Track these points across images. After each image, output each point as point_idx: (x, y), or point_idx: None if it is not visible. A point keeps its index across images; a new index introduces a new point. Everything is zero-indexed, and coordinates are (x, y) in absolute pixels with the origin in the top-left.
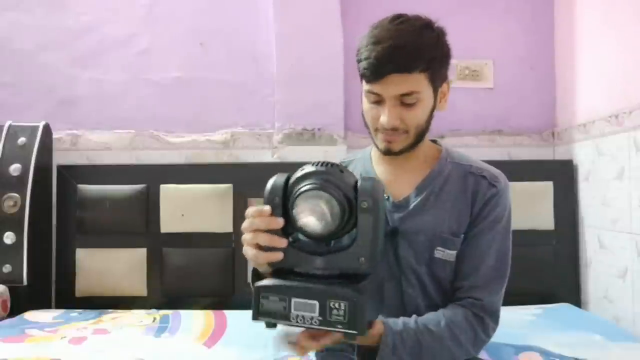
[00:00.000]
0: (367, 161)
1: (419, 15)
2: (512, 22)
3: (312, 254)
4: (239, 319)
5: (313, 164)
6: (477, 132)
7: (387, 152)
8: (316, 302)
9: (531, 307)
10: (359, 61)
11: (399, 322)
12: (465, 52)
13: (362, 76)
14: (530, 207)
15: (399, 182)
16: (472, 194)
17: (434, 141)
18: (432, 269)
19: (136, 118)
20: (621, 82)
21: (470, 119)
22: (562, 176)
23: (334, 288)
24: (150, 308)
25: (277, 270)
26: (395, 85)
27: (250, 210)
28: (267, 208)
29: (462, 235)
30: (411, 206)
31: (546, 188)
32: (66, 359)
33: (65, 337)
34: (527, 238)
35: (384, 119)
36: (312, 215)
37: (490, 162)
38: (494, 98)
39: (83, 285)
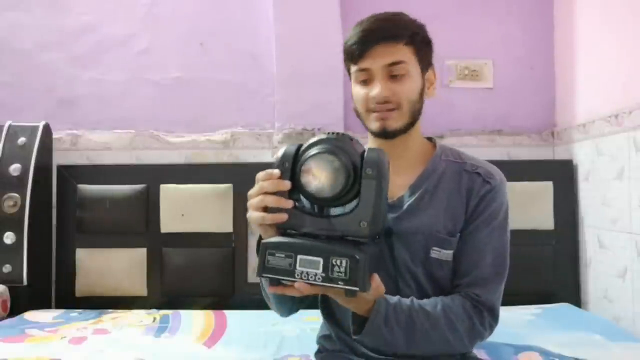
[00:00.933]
0: None
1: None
2: (512, 22)
3: (315, 217)
4: (239, 319)
5: (325, 133)
6: (477, 132)
7: (382, 131)
8: (320, 259)
9: (531, 307)
10: (346, 46)
11: (394, 297)
12: (465, 52)
13: (350, 57)
14: (530, 207)
15: (392, 182)
16: (467, 191)
17: (430, 139)
18: (428, 269)
19: (136, 118)
20: (621, 82)
21: (470, 119)
22: (562, 176)
23: (336, 246)
24: (150, 308)
25: (283, 232)
26: (382, 55)
27: (260, 174)
28: (277, 171)
29: (458, 234)
30: (405, 206)
31: (546, 188)
32: (66, 359)
33: (65, 337)
34: (527, 238)
35: (374, 91)
36: (319, 176)
37: (490, 162)
38: (493, 98)
39: (83, 285)
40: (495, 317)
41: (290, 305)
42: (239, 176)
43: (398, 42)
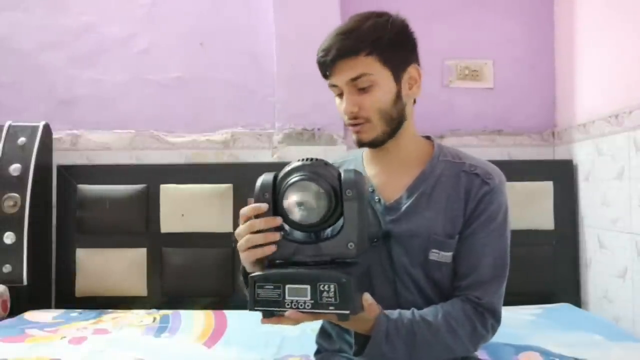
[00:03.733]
0: (358, 162)
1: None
2: (512, 22)
3: (303, 244)
4: (239, 319)
5: (299, 160)
6: (477, 132)
7: (359, 144)
8: (308, 287)
9: (531, 307)
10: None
11: (395, 312)
12: (465, 52)
13: (321, 73)
14: (530, 207)
15: (390, 184)
16: (465, 193)
17: (429, 138)
18: (427, 271)
19: (136, 118)
20: (621, 82)
21: (470, 119)
22: (562, 176)
23: (323, 272)
24: (150, 308)
25: (271, 263)
26: (343, 71)
27: (245, 210)
28: (264, 205)
29: (457, 235)
30: (403, 208)
31: (546, 188)
32: (66, 359)
33: (65, 337)
34: (527, 238)
35: (341, 107)
36: (302, 205)
37: (489, 162)
38: (494, 98)
39: (83, 285)
40: (497, 319)
41: None
42: (239, 176)
43: (357, 55)
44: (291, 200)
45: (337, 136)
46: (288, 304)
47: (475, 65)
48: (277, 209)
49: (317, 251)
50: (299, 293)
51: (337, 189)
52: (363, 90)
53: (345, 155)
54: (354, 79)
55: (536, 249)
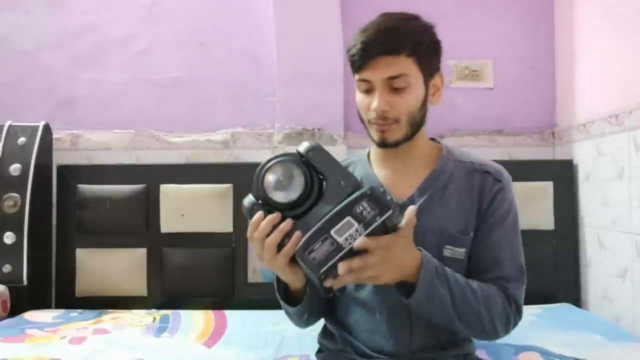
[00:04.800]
0: (365, 164)
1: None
2: (512, 22)
3: (308, 214)
4: (239, 319)
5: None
6: (477, 132)
7: (382, 143)
8: (347, 217)
9: (531, 307)
10: (348, 54)
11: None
12: (465, 52)
13: (352, 66)
14: (530, 207)
15: (401, 184)
16: (479, 190)
17: (433, 139)
18: None
19: (136, 118)
20: (621, 82)
21: (470, 119)
22: (562, 176)
23: (346, 201)
24: (150, 308)
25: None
26: (382, 68)
27: (249, 231)
28: (259, 214)
29: (471, 233)
30: (416, 206)
31: (546, 188)
32: (66, 359)
33: (65, 337)
34: (527, 238)
35: (374, 104)
36: (280, 182)
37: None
38: (494, 98)
39: (83, 285)
40: (520, 314)
41: (317, 313)
42: (239, 176)
43: (399, 54)
44: (270, 185)
45: (337, 136)
46: (344, 243)
47: (475, 65)
48: (270, 210)
49: (323, 210)
50: (346, 228)
51: (303, 156)
52: (397, 91)
53: (348, 157)
54: (392, 78)
55: (536, 249)
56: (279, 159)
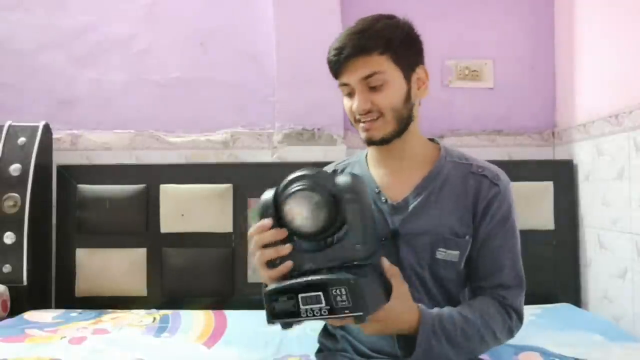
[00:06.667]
0: (362, 165)
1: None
2: (512, 22)
3: (312, 253)
4: (239, 319)
5: (301, 170)
6: (477, 132)
7: (370, 141)
8: (320, 293)
9: (531, 307)
10: (327, 62)
11: (433, 309)
12: (465, 52)
13: (331, 72)
14: (530, 207)
15: (397, 184)
16: (474, 194)
17: (433, 140)
18: (434, 270)
19: (136, 118)
20: (621, 82)
21: (470, 119)
22: (562, 176)
23: (332, 276)
24: (150, 308)
25: (284, 275)
26: (357, 69)
27: (252, 230)
28: (268, 220)
29: (468, 237)
30: (410, 207)
31: (546, 188)
32: (66, 359)
33: (65, 337)
34: (527, 238)
35: (354, 105)
36: (302, 214)
37: (490, 162)
38: (494, 98)
39: (83, 285)
40: (521, 320)
41: None
42: (239, 176)
43: (371, 53)
44: (292, 210)
45: (337, 136)
46: (304, 314)
47: (475, 65)
48: (281, 222)
49: (327, 257)
50: (313, 301)
51: (337, 195)
52: (375, 89)
53: (347, 158)
54: (367, 77)
55: (536, 249)
56: (317, 185)
